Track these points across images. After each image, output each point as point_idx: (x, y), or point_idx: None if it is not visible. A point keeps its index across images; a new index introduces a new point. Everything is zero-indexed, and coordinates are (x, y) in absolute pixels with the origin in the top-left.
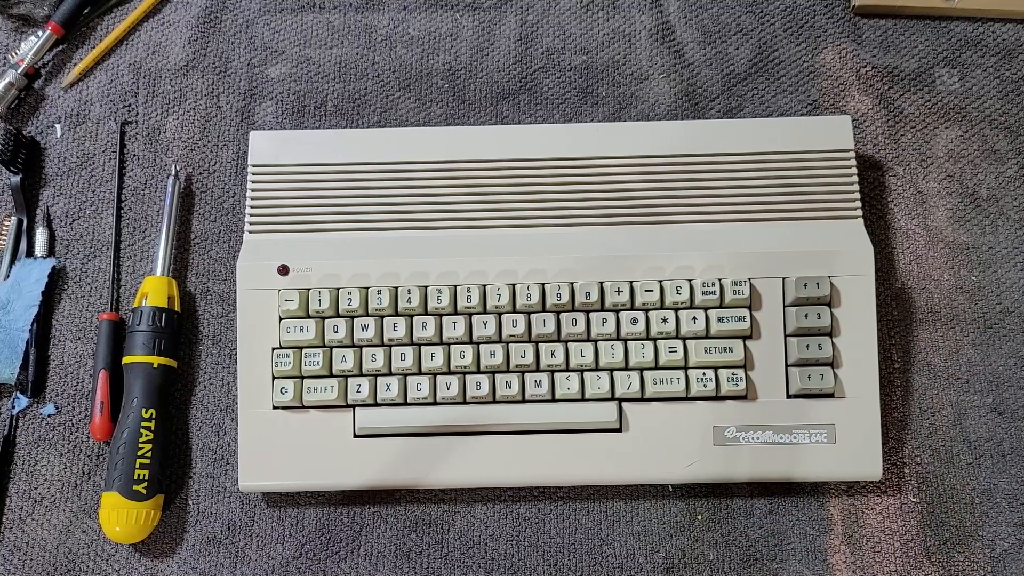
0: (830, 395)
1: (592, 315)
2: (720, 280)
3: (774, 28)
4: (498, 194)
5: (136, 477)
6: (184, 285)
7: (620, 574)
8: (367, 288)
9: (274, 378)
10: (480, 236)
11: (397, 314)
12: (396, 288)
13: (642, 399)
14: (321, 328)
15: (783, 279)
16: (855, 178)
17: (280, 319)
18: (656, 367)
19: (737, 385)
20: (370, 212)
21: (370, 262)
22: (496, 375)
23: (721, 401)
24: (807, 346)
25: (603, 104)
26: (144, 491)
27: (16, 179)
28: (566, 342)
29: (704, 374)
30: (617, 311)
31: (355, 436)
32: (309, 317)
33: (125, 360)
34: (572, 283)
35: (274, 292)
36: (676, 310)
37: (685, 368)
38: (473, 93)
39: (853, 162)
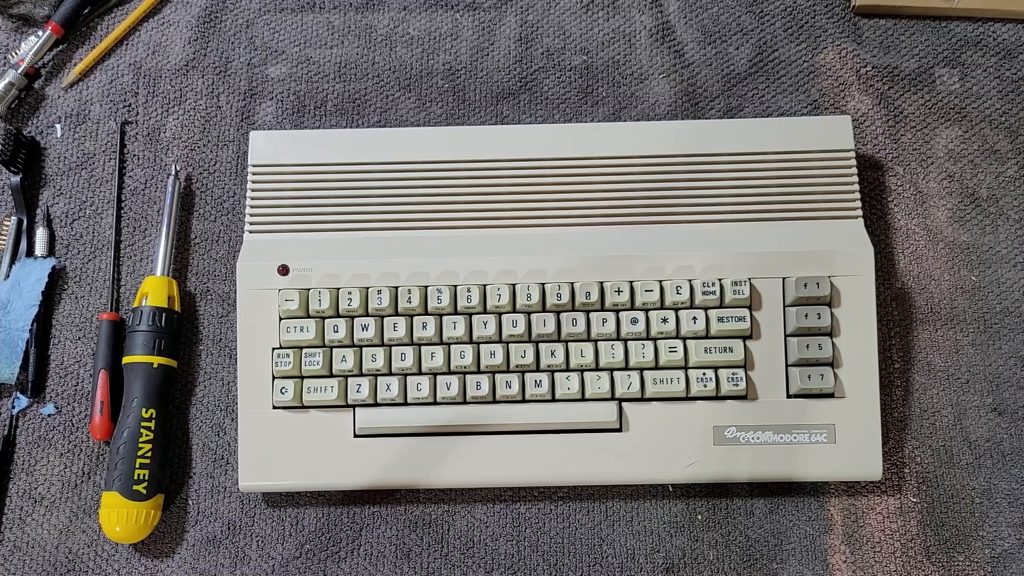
0: (830, 395)
1: (592, 315)
2: (720, 280)
3: (774, 28)
4: (498, 194)
5: (136, 477)
6: (184, 285)
7: (620, 574)
8: (367, 288)
9: (274, 378)
10: (480, 236)
11: (397, 314)
12: (396, 288)
13: (642, 399)
14: (321, 328)
15: (783, 279)
16: (855, 178)
17: (280, 319)
18: (656, 367)
19: (737, 385)
20: (370, 212)
21: (370, 262)
22: (496, 375)
23: (721, 401)
24: (807, 346)
25: (603, 104)
26: (144, 491)
27: (16, 179)
28: (566, 342)
29: (704, 374)
30: (617, 311)
31: (355, 436)
32: (309, 317)
33: (125, 360)
34: (572, 283)
35: (274, 292)
36: (676, 310)
37: (685, 368)
38: (473, 93)
39: (853, 162)
